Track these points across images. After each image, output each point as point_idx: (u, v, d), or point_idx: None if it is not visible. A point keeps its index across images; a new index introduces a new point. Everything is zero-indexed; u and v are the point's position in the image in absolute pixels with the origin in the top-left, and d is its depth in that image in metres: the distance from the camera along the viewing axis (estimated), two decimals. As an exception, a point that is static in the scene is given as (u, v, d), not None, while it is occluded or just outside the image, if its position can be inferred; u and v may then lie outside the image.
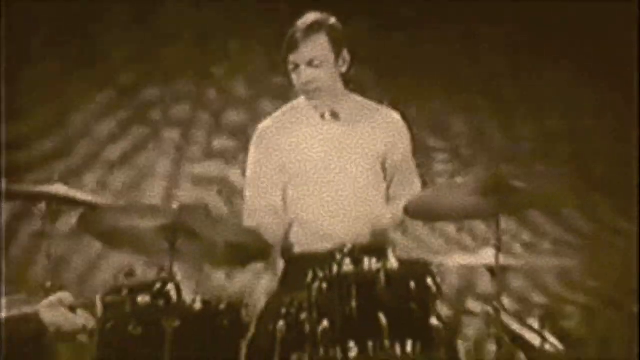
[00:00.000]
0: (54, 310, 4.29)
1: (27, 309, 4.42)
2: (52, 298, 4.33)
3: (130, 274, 5.05)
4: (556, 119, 7.88)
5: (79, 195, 6.17)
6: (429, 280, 5.01)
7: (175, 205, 5.67)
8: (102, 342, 4.95)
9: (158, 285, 4.52)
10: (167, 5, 7.78)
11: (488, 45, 7.78)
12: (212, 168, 7.68)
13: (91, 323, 4.35)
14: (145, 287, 4.69)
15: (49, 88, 7.56)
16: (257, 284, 6.74)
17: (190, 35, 7.83)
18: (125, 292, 4.72)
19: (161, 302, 4.67)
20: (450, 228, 7.17)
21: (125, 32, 7.83)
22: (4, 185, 4.53)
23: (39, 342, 4.67)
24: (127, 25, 7.85)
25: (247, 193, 5.78)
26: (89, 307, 4.35)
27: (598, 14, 7.64)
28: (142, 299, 4.61)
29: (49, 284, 5.93)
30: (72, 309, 4.24)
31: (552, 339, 5.99)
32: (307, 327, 4.93)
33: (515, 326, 6.10)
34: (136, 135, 7.54)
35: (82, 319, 4.35)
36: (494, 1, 7.69)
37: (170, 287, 4.55)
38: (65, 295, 4.39)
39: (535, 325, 6.14)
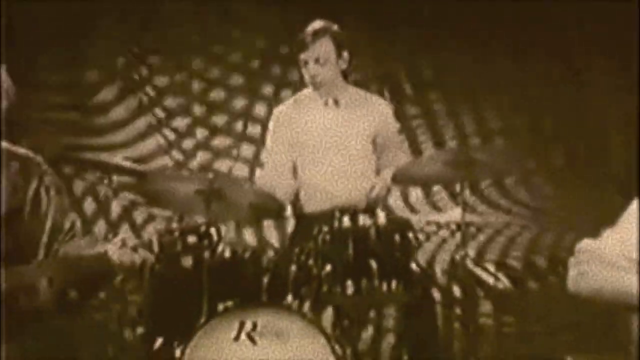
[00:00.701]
0: (119, 249, 4.37)
1: (97, 249, 4.49)
2: (117, 239, 4.40)
3: (181, 219, 5.27)
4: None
5: (132, 165, 6.32)
6: (410, 234, 5.34)
7: (210, 175, 5.88)
8: (157, 275, 5.33)
9: (203, 228, 4.58)
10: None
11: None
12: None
13: (150, 259, 4.46)
14: (194, 230, 4.72)
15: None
16: (274, 237, 6.69)
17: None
18: (177, 233, 4.75)
19: (205, 242, 4.75)
20: (428, 192, 7.04)
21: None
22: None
23: (106, 276, 4.82)
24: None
25: (265, 163, 6.03)
26: (147, 246, 4.40)
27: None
28: (191, 239, 4.66)
29: (110, 235, 6.15)
30: (134, 247, 4.33)
31: (503, 279, 6.27)
32: (314, 270, 5.24)
33: (476, 269, 6.50)
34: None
35: (141, 256, 4.43)
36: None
37: (212, 230, 4.63)
38: (129, 236, 4.55)
39: (491, 269, 6.52)
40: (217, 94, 7.23)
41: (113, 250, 4.26)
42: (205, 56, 7.28)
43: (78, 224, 5.49)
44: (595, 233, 4.08)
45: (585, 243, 3.80)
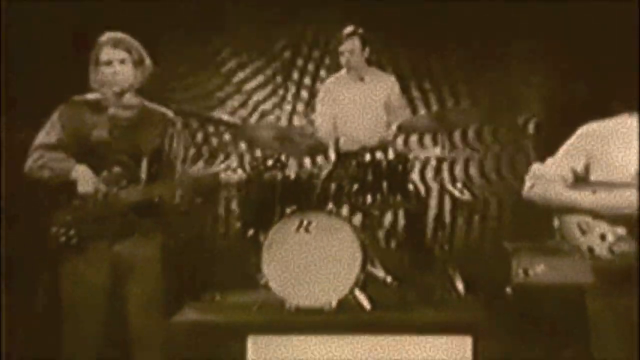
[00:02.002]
0: (226, 170, 4.35)
1: (211, 170, 4.51)
2: (223, 165, 4.42)
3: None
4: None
5: (229, 118, 6.72)
6: (408, 164, 5.71)
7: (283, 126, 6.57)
8: (249, 188, 5.60)
9: (276, 155, 4.53)
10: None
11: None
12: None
13: (244, 177, 4.39)
14: (271, 156, 4.77)
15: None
16: (322, 166, 6.26)
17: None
18: (261, 160, 4.80)
19: (278, 164, 4.76)
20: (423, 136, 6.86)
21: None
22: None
23: (217, 188, 4.91)
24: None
25: (316, 119, 6.27)
26: (243, 168, 4.41)
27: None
28: (270, 161, 4.67)
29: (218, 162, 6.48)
30: (234, 169, 4.31)
31: (466, 193, 6.36)
32: (346, 188, 5.66)
33: (449, 187, 6.68)
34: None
35: (239, 174, 4.40)
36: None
37: (282, 156, 4.67)
38: (231, 161, 4.78)
39: (459, 186, 6.55)
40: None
41: (222, 171, 4.33)
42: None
43: (198, 155, 5.86)
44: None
45: (535, 166, 3.92)
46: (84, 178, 4.11)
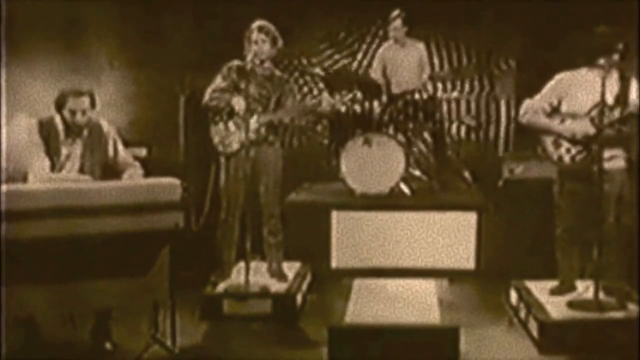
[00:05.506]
0: (325, 101, 4.58)
1: (310, 104, 4.86)
2: (324, 96, 4.85)
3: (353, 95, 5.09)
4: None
5: (322, 72, 6.54)
6: (436, 102, 6.02)
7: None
8: (335, 117, 5.66)
9: (352, 94, 4.62)
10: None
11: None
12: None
13: (331, 109, 4.67)
14: (348, 95, 4.87)
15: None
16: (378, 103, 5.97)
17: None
18: (344, 96, 4.84)
19: (354, 100, 4.88)
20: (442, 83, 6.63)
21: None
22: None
23: (321, 114, 5.20)
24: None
25: (374, 72, 6.26)
26: (331, 103, 4.63)
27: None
28: (345, 97, 4.73)
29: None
30: (326, 104, 4.56)
31: (472, 121, 6.50)
32: (394, 117, 5.81)
33: (462, 116, 6.65)
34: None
35: (334, 105, 4.64)
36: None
37: (358, 95, 4.77)
38: (324, 99, 4.81)
39: (469, 116, 6.61)
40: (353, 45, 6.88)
41: (324, 101, 4.66)
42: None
43: (302, 94, 6.06)
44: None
45: (527, 101, 4.06)
46: (239, 103, 4.37)
